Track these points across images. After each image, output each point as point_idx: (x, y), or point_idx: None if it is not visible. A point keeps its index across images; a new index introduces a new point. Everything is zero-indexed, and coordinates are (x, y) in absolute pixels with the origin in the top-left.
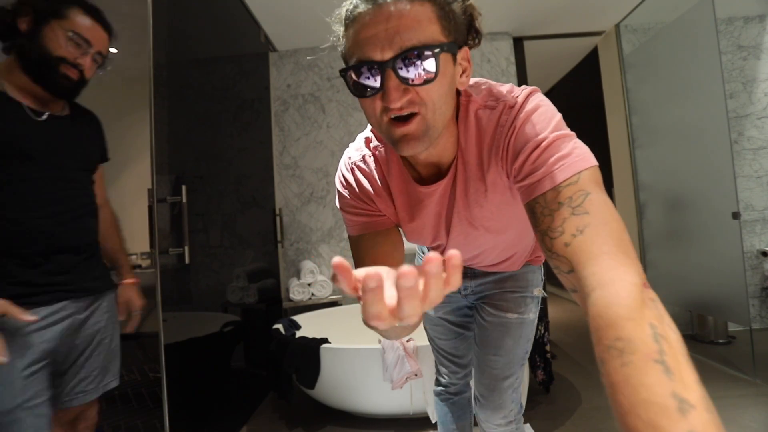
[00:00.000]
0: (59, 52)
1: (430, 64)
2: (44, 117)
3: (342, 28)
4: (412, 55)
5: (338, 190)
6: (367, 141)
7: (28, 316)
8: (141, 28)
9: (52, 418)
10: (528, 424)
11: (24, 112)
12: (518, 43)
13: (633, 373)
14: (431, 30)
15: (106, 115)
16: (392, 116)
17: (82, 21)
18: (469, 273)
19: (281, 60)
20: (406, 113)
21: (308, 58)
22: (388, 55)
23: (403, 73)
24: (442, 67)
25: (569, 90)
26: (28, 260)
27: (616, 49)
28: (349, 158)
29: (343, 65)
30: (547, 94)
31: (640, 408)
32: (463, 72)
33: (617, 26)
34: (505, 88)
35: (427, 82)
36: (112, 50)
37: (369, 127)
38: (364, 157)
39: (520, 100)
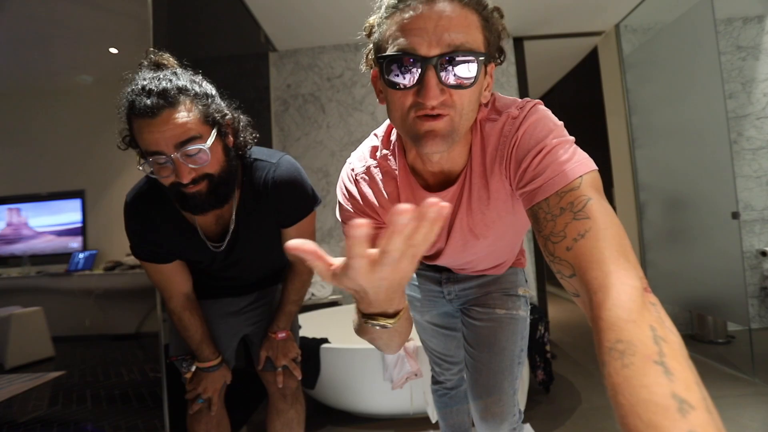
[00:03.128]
0: (164, 182)
1: (471, 69)
2: (222, 248)
3: (384, 14)
4: (457, 56)
5: (340, 202)
6: (373, 150)
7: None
8: (141, 28)
9: (264, 377)
10: (528, 424)
11: (205, 246)
12: (518, 43)
13: (633, 374)
14: (477, 37)
15: (106, 115)
16: (421, 113)
17: (137, 128)
18: (451, 278)
19: (281, 60)
20: (435, 113)
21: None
22: (434, 51)
23: (443, 73)
24: (480, 75)
25: (569, 90)
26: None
27: (616, 49)
28: (352, 169)
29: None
30: (547, 94)
31: (641, 408)
32: (487, 86)
33: (617, 26)
34: (508, 100)
35: (463, 86)
36: (113, 50)
37: (375, 134)
38: (368, 167)
39: (522, 111)
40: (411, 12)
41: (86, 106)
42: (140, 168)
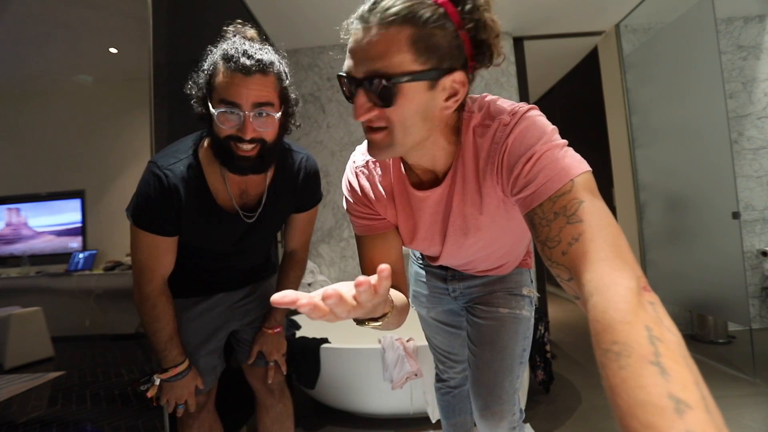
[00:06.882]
0: (222, 132)
1: (386, 92)
2: (253, 219)
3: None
4: (374, 79)
5: (344, 193)
6: None
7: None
8: (141, 28)
9: (251, 374)
10: (528, 424)
11: (236, 218)
12: (518, 43)
13: (629, 375)
14: (399, 59)
15: (105, 115)
16: (363, 125)
17: (225, 79)
18: (457, 275)
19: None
20: (375, 126)
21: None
22: (360, 73)
23: (370, 93)
24: (409, 94)
25: (569, 90)
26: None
27: (616, 49)
28: (354, 162)
29: (342, 61)
30: (547, 94)
31: (638, 410)
32: (451, 96)
33: (617, 26)
34: (504, 105)
35: (384, 106)
36: (112, 50)
37: None
38: (367, 162)
39: (514, 118)
40: (351, 36)
41: (86, 106)
42: (213, 112)
